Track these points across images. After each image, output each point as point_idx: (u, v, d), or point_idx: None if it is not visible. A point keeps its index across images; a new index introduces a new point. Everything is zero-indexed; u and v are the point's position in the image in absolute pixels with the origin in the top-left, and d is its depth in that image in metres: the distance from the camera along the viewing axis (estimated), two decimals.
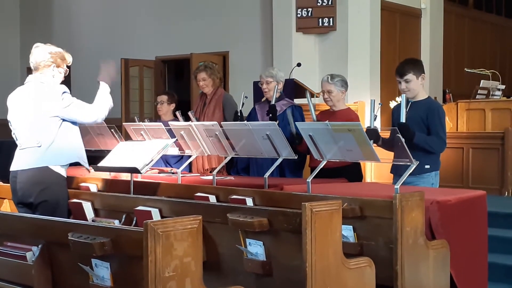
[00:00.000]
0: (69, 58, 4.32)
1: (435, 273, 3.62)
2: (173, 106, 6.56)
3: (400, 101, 4.35)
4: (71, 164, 4.33)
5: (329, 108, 5.36)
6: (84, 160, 4.33)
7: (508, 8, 14.27)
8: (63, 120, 4.17)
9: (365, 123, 6.38)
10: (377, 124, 4.71)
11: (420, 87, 4.64)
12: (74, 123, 4.26)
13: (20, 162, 4.17)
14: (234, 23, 10.80)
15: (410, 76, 4.56)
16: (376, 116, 4.25)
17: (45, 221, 2.99)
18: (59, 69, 4.25)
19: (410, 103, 4.58)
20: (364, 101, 8.53)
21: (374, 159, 3.94)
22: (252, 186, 4.45)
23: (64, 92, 4.15)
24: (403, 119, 4.26)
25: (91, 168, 4.44)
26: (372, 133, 4.13)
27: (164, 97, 6.60)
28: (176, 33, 11.42)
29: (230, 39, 10.83)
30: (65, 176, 4.23)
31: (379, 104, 4.68)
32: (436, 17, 11.31)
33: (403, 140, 3.84)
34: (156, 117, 7.29)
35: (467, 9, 13.06)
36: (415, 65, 4.64)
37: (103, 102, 4.36)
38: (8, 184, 4.92)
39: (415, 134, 4.35)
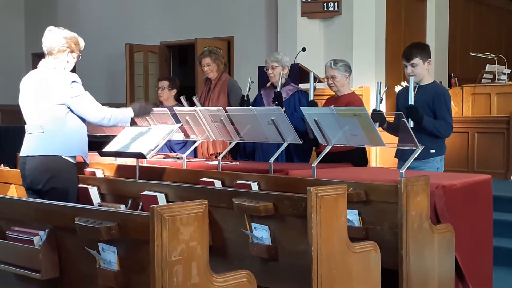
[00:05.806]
0: (82, 43, 4.20)
1: (440, 257, 3.63)
2: (174, 91, 6.48)
3: (406, 85, 4.34)
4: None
5: (334, 94, 5.36)
6: (86, 155, 4.21)
7: None
8: (70, 110, 4.05)
9: (370, 108, 6.37)
10: (383, 107, 4.69)
11: (426, 71, 4.62)
12: (81, 118, 4.12)
13: (27, 148, 4.11)
14: (239, 8, 10.75)
15: (416, 60, 4.54)
16: (382, 98, 4.23)
17: (52, 206, 3.00)
18: (72, 54, 4.14)
19: (417, 86, 4.58)
20: (369, 86, 8.50)
21: (379, 144, 3.94)
22: (257, 171, 4.44)
23: (74, 81, 4.03)
24: (411, 101, 4.24)
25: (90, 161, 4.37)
26: (378, 116, 4.12)
27: (165, 83, 6.51)
28: (181, 18, 11.39)
29: (234, 24, 10.79)
30: (75, 163, 4.13)
31: (386, 86, 4.67)
32: (442, 1, 11.24)
33: (408, 125, 3.83)
34: (160, 103, 7.28)
35: None
36: (423, 50, 4.62)
37: (118, 114, 4.21)
38: (14, 170, 4.93)
39: (423, 117, 4.34)
